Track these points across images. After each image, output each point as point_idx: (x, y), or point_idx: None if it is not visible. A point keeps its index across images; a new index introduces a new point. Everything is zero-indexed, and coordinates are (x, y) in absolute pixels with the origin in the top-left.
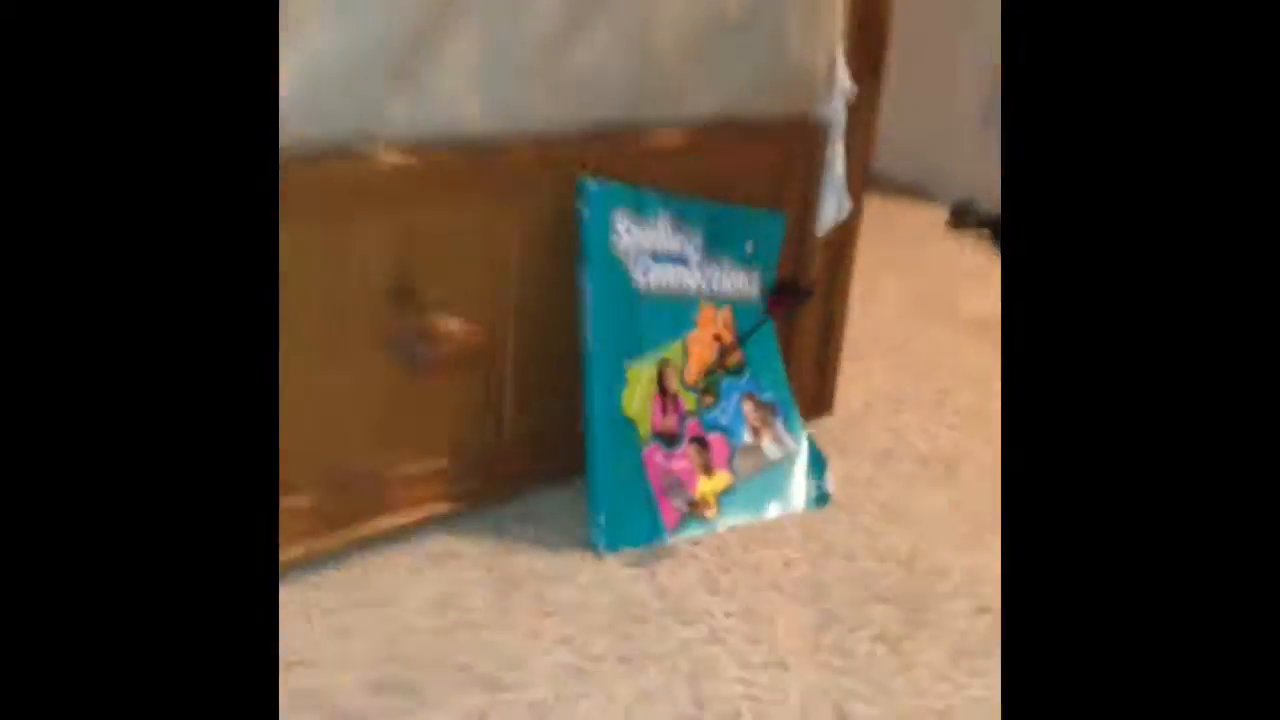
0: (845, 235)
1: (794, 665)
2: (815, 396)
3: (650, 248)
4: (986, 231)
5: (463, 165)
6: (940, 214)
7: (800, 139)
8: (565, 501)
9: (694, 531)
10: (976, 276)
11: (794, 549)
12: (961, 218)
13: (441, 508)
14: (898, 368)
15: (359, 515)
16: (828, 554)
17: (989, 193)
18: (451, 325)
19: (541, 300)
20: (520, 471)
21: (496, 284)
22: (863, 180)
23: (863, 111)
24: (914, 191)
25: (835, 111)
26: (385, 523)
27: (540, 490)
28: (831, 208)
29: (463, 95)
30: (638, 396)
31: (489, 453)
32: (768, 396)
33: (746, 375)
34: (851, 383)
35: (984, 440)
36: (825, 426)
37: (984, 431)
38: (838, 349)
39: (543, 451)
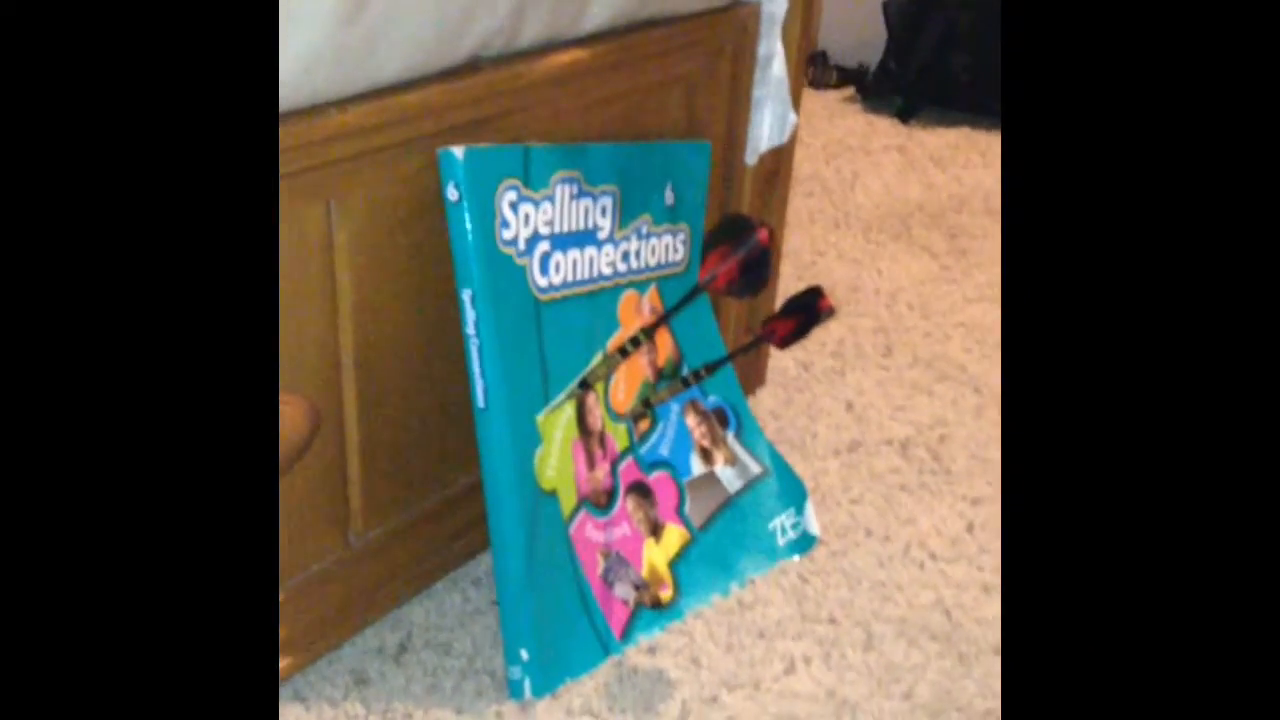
0: (777, 158)
1: None
2: (745, 368)
3: (549, 230)
4: (851, 89)
5: None
6: None
7: (727, 36)
8: (456, 612)
9: (650, 629)
10: (860, 150)
11: (793, 634)
12: (818, 74)
13: (281, 663)
14: None
15: None
16: (839, 634)
17: (839, 43)
18: None
19: (391, 341)
20: (382, 585)
21: (319, 326)
22: (801, 84)
23: None
24: None
25: None
26: None
27: (419, 602)
28: (769, 125)
29: None
30: (555, 454)
31: (335, 571)
32: (713, 401)
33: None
34: None
35: (954, 400)
36: (763, 406)
37: (953, 387)
38: (771, 307)
39: (413, 551)
